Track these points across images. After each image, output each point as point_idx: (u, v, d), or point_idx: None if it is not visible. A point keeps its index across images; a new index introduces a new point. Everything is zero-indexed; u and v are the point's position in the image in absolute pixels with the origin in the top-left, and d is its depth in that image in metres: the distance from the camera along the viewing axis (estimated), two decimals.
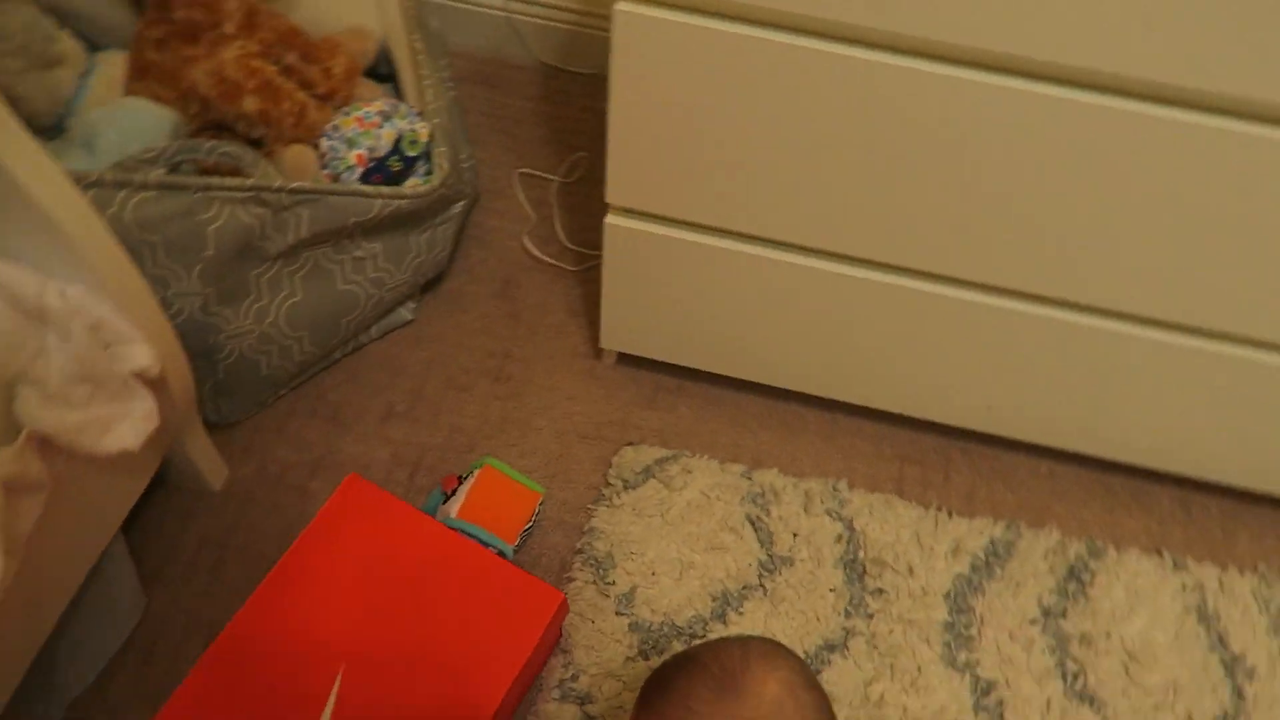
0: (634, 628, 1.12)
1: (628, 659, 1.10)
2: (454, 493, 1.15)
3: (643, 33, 0.87)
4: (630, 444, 1.26)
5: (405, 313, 1.35)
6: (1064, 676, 1.12)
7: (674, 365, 1.31)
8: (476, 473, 1.15)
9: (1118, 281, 0.99)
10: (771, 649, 0.78)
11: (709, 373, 1.29)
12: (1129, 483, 1.28)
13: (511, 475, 1.16)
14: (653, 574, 1.16)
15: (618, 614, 1.13)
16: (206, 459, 1.17)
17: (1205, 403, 1.11)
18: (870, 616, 1.15)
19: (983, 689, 1.11)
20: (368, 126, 1.22)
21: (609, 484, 1.22)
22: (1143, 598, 1.18)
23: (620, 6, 0.86)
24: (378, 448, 1.25)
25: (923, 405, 1.24)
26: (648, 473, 1.23)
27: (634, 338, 1.26)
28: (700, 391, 1.32)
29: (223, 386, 1.20)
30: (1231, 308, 0.99)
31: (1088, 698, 1.11)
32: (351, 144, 1.21)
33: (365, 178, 1.20)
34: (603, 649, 1.10)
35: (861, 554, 1.19)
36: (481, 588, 1.02)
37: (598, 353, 1.34)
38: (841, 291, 1.08)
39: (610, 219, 1.08)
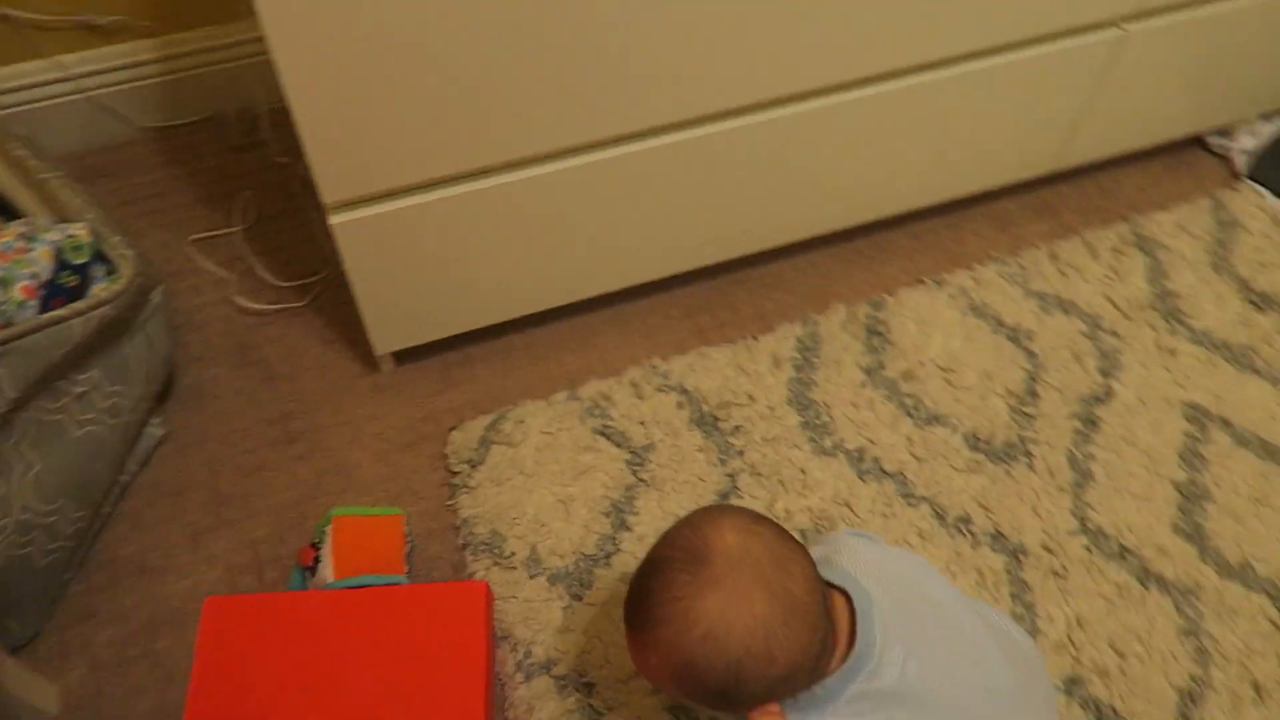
0: (554, 579, 1.11)
1: (565, 608, 1.09)
2: (316, 561, 1.07)
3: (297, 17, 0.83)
4: (453, 428, 1.23)
5: (155, 430, 1.22)
6: (908, 413, 1.25)
7: (452, 340, 1.28)
8: (329, 529, 1.08)
9: (780, 71, 1.08)
10: (711, 511, 0.82)
11: (486, 329, 1.28)
12: (869, 240, 1.42)
13: (364, 513, 1.10)
14: (542, 526, 1.15)
15: (532, 577, 1.11)
16: (29, 688, 1.02)
17: (887, 145, 1.25)
18: (741, 453, 1.21)
19: (856, 458, 1.21)
20: (15, 256, 1.07)
21: (455, 472, 1.19)
22: (929, 322, 1.33)
23: None
24: (206, 571, 1.14)
25: (686, 257, 1.30)
26: (485, 443, 1.20)
27: (403, 329, 1.22)
28: (487, 350, 1.30)
29: (1, 603, 1.04)
30: (852, 56, 1.11)
31: (934, 418, 1.24)
32: (7, 282, 1.06)
33: (45, 306, 1.06)
34: (538, 615, 1.09)
35: (705, 407, 1.24)
36: (404, 621, 0.97)
37: (373, 365, 1.28)
38: (556, 190, 1.10)
39: (335, 219, 1.03)
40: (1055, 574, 1.14)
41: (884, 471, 1.20)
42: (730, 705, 0.77)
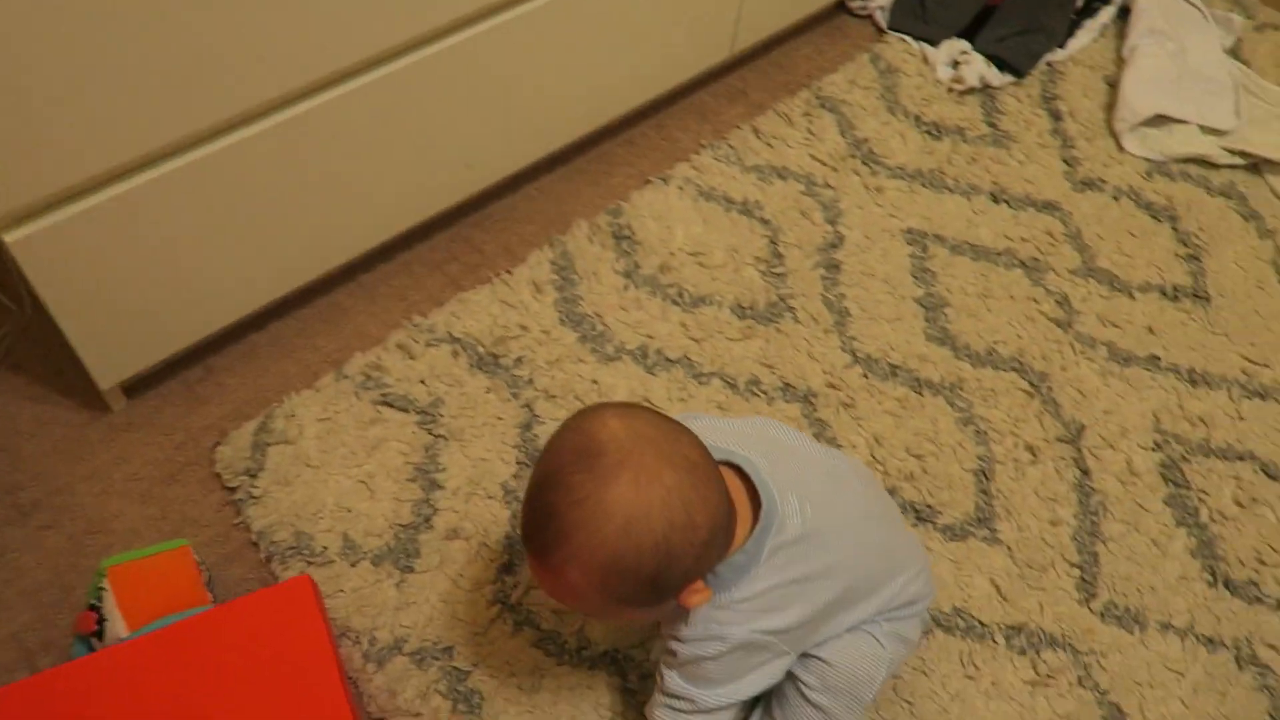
0: (377, 560, 1.04)
1: (398, 585, 1.02)
2: (101, 623, 0.93)
3: None
4: (217, 444, 1.11)
5: None
6: (674, 302, 1.27)
7: (185, 355, 1.16)
8: (105, 584, 0.94)
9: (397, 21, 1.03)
10: (583, 411, 0.77)
11: (221, 335, 1.17)
12: (587, 157, 1.44)
13: (141, 554, 0.97)
14: (348, 512, 1.06)
15: (353, 565, 1.03)
16: None
17: (575, 59, 1.26)
18: (530, 382, 1.18)
19: (641, 356, 1.22)
20: None
21: (233, 488, 1.08)
22: (666, 216, 1.36)
23: None
24: None
25: (414, 209, 1.24)
26: (258, 448, 1.10)
27: (126, 355, 1.08)
28: (229, 357, 1.19)
29: None
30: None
31: (699, 300, 1.28)
32: None
33: None
34: (371, 600, 1.01)
35: (481, 349, 1.20)
36: (234, 641, 0.86)
37: (102, 405, 1.13)
38: (244, 164, 1.00)
39: (10, 236, 0.89)
40: (845, 405, 1.21)
41: (669, 360, 1.22)
42: (661, 592, 0.74)
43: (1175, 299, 1.37)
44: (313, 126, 1.03)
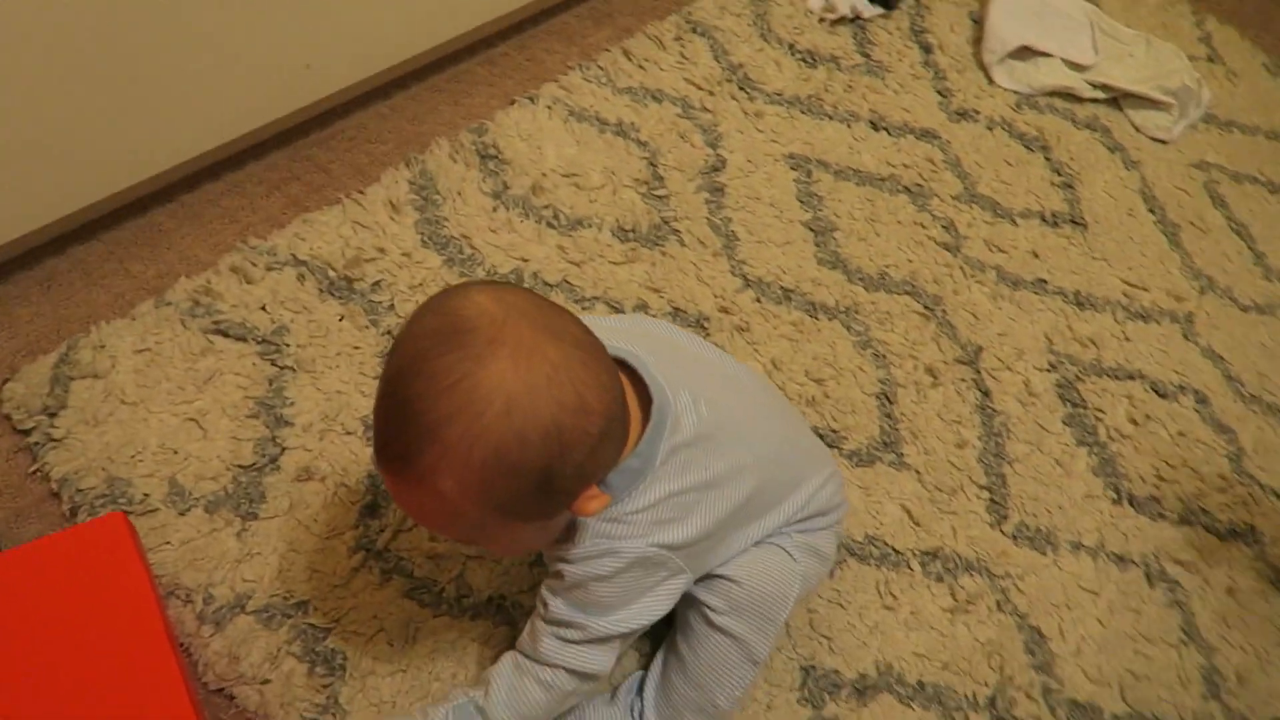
0: (212, 506, 0.87)
1: (239, 534, 0.86)
2: None
3: None
4: (6, 380, 0.91)
5: None
6: (549, 225, 1.15)
7: None
8: None
9: None
10: (441, 293, 0.64)
11: (4, 260, 0.97)
12: (444, 75, 1.30)
13: None
14: (174, 453, 0.89)
15: (182, 514, 0.86)
16: None
17: None
18: (391, 307, 1.04)
19: (516, 280, 1.09)
20: None
21: (27, 430, 0.89)
22: (536, 136, 1.24)
23: None
24: None
25: (249, 111, 1.07)
26: (60, 382, 0.91)
27: None
28: (20, 285, 0.99)
29: None
30: None
31: (576, 223, 1.16)
32: None
33: None
34: (205, 553, 0.85)
35: (331, 273, 1.05)
36: (27, 596, 0.69)
37: None
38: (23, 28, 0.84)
39: None
40: (739, 329, 1.12)
41: (548, 284, 1.10)
42: (552, 498, 0.62)
43: (1055, 225, 1.35)
44: None
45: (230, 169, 1.13)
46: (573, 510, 0.65)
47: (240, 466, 0.90)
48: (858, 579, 0.97)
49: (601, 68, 1.35)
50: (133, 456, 0.88)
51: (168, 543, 0.84)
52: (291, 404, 0.95)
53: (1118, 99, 1.55)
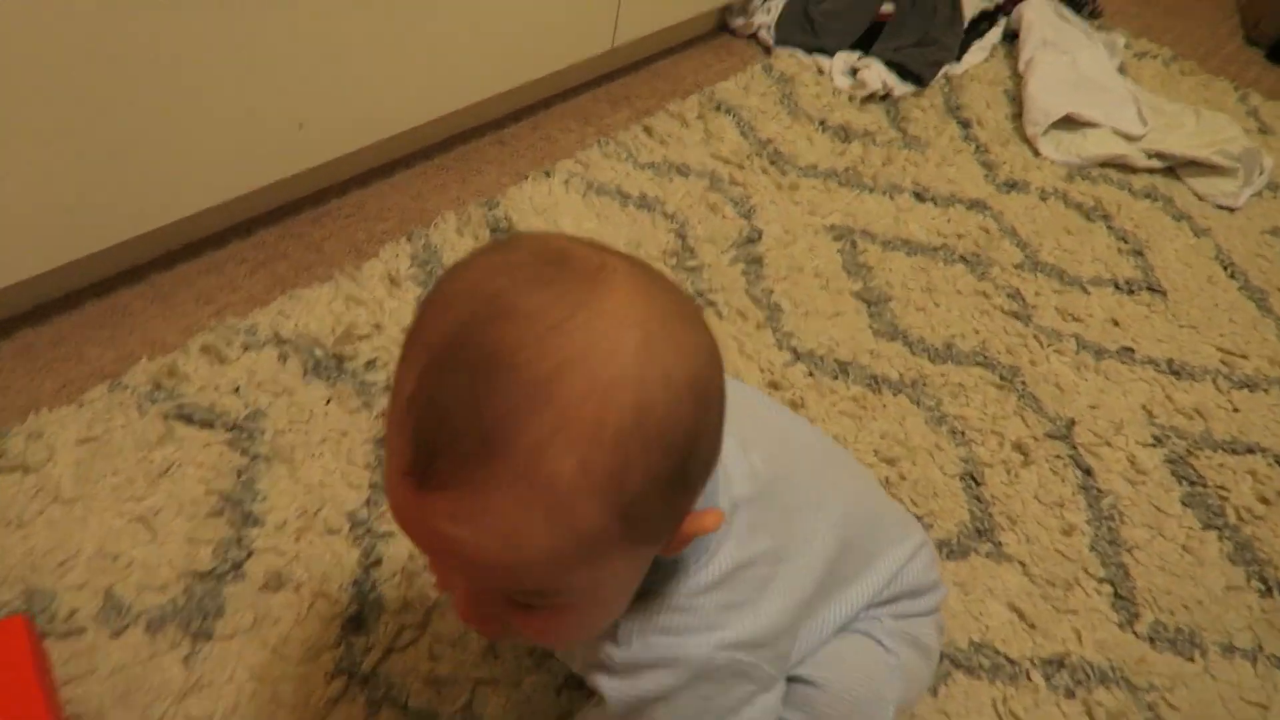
0: (155, 625, 0.69)
1: (187, 657, 0.68)
2: None
3: None
4: None
5: None
6: None
7: None
8: None
9: None
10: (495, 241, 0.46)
11: None
12: (453, 154, 1.19)
13: None
14: (114, 560, 0.72)
15: (116, 635, 0.68)
16: None
17: (423, 33, 1.04)
18: (387, 389, 0.88)
19: None
20: None
21: None
22: (551, 209, 1.12)
23: None
24: None
25: (234, 178, 0.95)
26: None
27: None
28: None
29: None
30: None
31: None
32: None
33: None
34: (142, 682, 0.66)
35: (319, 351, 0.90)
36: None
37: None
38: None
39: None
40: (793, 405, 0.96)
41: None
42: (681, 496, 0.43)
43: (1131, 292, 1.21)
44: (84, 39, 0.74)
45: (212, 247, 1.00)
46: (682, 531, 0.45)
47: (196, 574, 0.72)
48: (969, 696, 0.78)
49: (620, 143, 1.24)
50: (61, 564, 0.71)
51: (93, 671, 0.66)
52: (263, 499, 0.78)
53: (1174, 168, 1.43)
